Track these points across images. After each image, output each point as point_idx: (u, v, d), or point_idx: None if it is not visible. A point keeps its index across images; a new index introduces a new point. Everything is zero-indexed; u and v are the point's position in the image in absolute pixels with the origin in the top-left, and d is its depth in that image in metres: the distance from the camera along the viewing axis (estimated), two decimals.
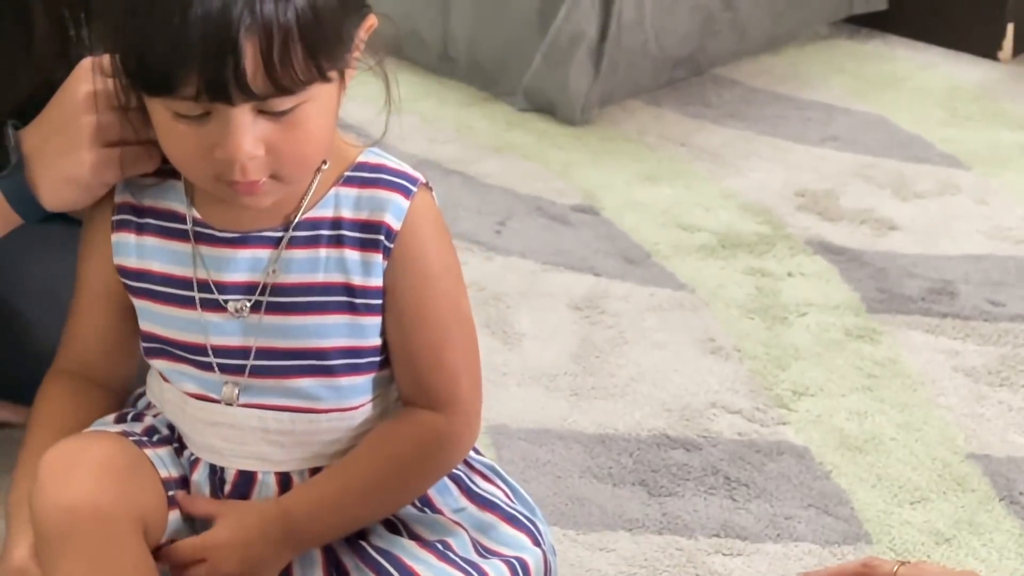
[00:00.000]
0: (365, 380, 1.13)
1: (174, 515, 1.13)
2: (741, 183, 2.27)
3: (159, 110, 1.03)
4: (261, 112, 1.00)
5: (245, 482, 1.14)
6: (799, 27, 2.84)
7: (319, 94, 1.02)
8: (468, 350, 1.15)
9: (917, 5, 2.86)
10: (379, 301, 1.11)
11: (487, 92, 2.58)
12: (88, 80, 1.13)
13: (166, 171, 1.14)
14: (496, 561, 1.13)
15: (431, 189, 1.14)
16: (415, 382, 1.13)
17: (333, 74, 1.03)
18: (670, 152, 2.39)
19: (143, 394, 1.22)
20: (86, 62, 1.15)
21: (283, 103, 1.00)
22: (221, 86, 0.98)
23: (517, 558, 1.15)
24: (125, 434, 1.14)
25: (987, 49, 2.79)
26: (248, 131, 1.00)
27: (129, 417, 1.19)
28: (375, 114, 1.10)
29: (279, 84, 0.99)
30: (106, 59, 1.12)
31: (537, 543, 1.18)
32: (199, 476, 1.15)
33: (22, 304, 1.46)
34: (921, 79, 2.70)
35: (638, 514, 1.50)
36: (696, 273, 1.99)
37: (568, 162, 2.33)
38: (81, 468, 1.07)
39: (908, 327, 1.87)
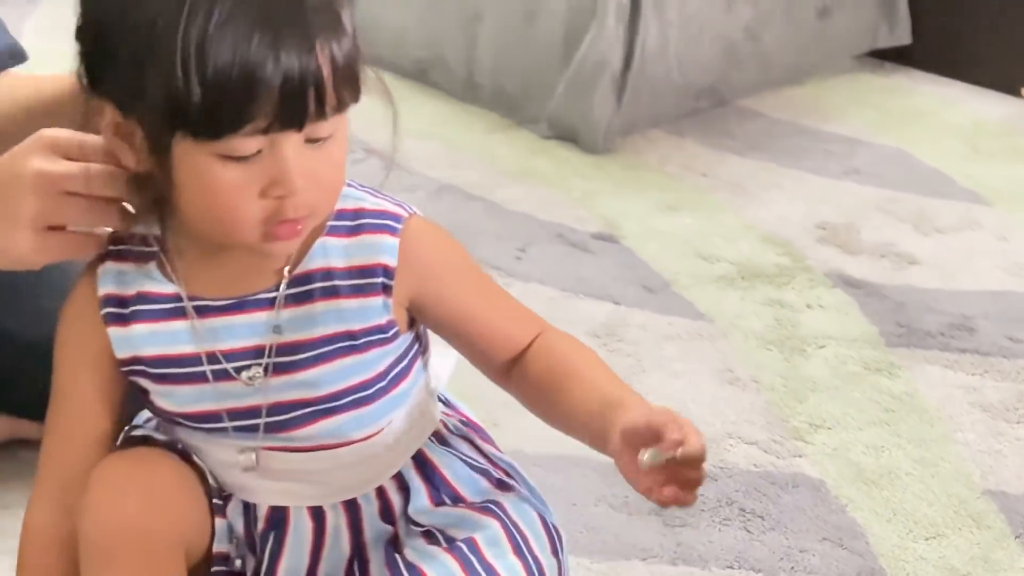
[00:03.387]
0: (376, 407, 1.13)
1: (221, 522, 1.14)
2: (762, 214, 2.28)
3: (200, 161, 0.98)
4: (307, 141, 1.00)
5: (278, 517, 1.14)
6: (823, 60, 2.85)
7: (345, 121, 1.03)
8: (502, 294, 1.17)
9: (941, 40, 2.87)
10: (382, 336, 1.10)
11: (511, 119, 2.59)
12: (43, 158, 1.07)
13: (140, 254, 1.10)
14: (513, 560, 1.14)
15: (416, 214, 1.13)
16: (500, 345, 1.14)
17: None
18: (691, 182, 2.39)
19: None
20: (45, 135, 1.09)
21: (330, 127, 1.00)
22: (298, 111, 0.97)
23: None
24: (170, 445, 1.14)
25: (1010, 85, 2.79)
26: (302, 162, 0.99)
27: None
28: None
29: (340, 103, 0.99)
30: (63, 137, 1.08)
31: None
32: (232, 510, 1.15)
33: None
34: (944, 114, 2.70)
35: (652, 544, 1.50)
36: (715, 303, 1.99)
37: (589, 190, 2.34)
38: (131, 488, 1.08)
39: (926, 362, 1.87)
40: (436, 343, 1.27)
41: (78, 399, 1.12)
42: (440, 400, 1.24)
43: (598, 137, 2.47)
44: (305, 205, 1.01)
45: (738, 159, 2.49)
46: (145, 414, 1.19)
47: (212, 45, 0.94)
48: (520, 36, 2.57)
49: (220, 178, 0.98)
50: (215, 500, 1.14)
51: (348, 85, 1.00)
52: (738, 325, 1.94)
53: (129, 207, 1.09)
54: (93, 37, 1.01)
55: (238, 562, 1.16)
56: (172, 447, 1.15)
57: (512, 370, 1.15)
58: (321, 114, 0.98)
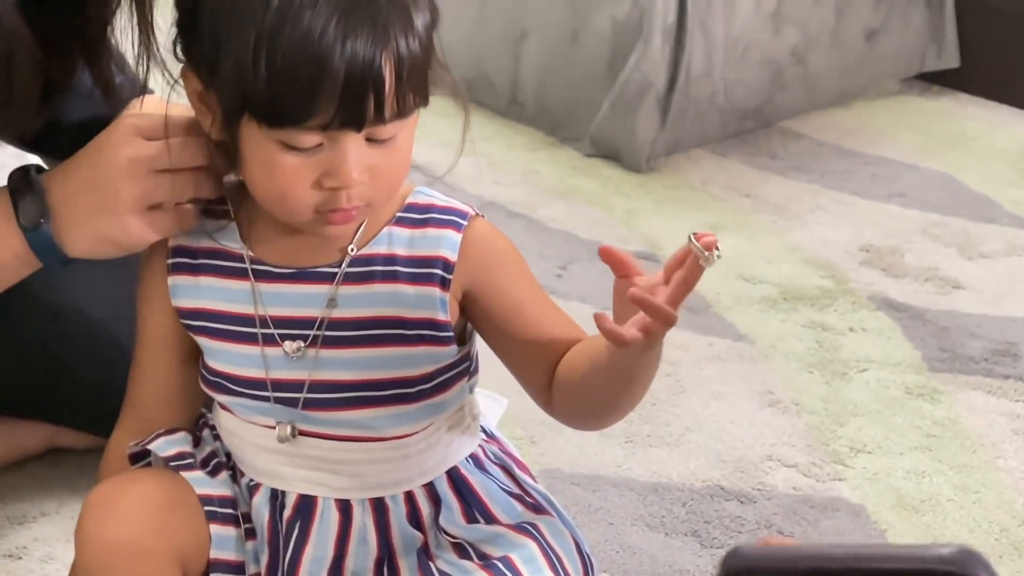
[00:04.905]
0: (417, 408, 1.14)
1: (223, 530, 1.15)
2: (805, 236, 2.27)
3: (263, 144, 1.04)
4: (367, 140, 1.04)
5: (306, 507, 1.16)
6: (869, 82, 2.83)
7: (412, 120, 1.07)
8: (552, 302, 1.20)
9: (989, 64, 2.85)
10: (434, 333, 1.12)
11: (554, 137, 2.59)
12: (130, 144, 1.14)
13: (215, 212, 1.17)
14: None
15: (483, 216, 1.17)
16: (545, 346, 1.15)
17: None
18: (734, 203, 2.39)
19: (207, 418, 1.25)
20: (128, 123, 1.16)
21: (392, 130, 1.05)
22: (358, 114, 1.01)
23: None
24: (180, 457, 1.17)
25: None
26: (361, 158, 1.04)
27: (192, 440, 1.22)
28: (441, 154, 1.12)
29: (402, 110, 1.03)
30: (145, 123, 1.14)
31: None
32: (259, 500, 1.17)
33: (54, 325, 1.47)
34: (991, 138, 2.68)
35: (689, 565, 1.49)
36: (756, 325, 1.99)
37: (632, 209, 2.34)
38: (122, 505, 1.11)
39: (969, 387, 1.85)
40: (488, 395, 1.27)
41: (147, 338, 1.19)
42: (483, 431, 1.24)
43: (641, 156, 2.47)
44: (360, 197, 1.06)
45: (782, 180, 2.48)
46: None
47: (283, 39, 0.99)
48: (565, 55, 2.57)
49: (279, 163, 1.04)
50: (219, 509, 1.16)
51: (413, 91, 1.03)
52: (779, 347, 1.93)
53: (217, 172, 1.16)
54: (186, 7, 1.07)
55: (252, 567, 1.17)
56: (166, 464, 1.17)
57: (552, 380, 1.15)
58: (380, 118, 1.02)
